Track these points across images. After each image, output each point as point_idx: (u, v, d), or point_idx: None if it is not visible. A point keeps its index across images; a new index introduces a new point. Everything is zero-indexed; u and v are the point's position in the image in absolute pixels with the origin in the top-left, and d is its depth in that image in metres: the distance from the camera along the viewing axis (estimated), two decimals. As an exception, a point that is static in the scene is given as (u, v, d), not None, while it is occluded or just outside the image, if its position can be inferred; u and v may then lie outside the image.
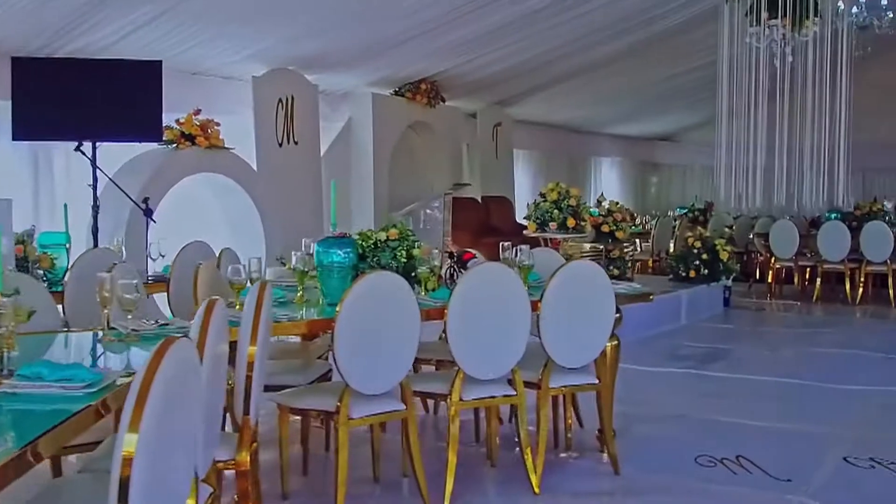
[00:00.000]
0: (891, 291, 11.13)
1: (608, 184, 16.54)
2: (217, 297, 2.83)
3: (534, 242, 8.46)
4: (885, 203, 13.03)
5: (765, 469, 4.60)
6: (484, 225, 10.55)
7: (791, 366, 7.41)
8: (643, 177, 17.78)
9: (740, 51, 8.42)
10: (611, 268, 9.27)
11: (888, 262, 11.08)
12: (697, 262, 10.21)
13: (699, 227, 11.01)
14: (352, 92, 10.18)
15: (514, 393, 4.28)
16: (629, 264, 9.43)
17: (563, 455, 4.93)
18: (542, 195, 7.93)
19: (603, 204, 9.29)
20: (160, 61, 7.05)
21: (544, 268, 4.84)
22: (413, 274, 4.52)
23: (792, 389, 6.55)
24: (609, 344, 4.72)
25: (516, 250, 4.82)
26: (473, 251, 4.88)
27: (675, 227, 13.86)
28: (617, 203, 9.46)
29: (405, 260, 4.52)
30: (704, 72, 11.21)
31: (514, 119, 12.95)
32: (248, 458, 3.20)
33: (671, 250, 12.08)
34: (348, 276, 4.31)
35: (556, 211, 7.69)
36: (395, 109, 10.41)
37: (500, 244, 5.03)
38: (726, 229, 13.39)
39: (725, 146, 8.85)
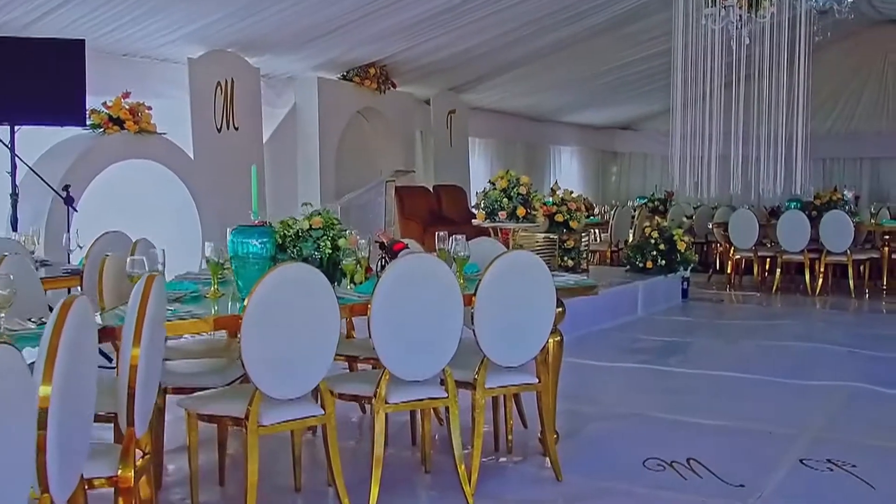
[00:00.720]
0: (851, 282, 10.95)
1: (568, 173, 16.27)
2: (77, 294, 2.45)
3: (483, 232, 8.15)
4: (845, 192, 12.86)
5: (716, 473, 4.29)
6: (435, 214, 10.19)
7: (749, 360, 7.14)
8: (603, 166, 17.51)
9: (696, 35, 8.13)
10: (565, 259, 8.98)
11: (848, 252, 10.89)
12: (655, 253, 9.95)
13: (657, 218, 10.74)
14: (297, 76, 9.78)
15: (446, 395, 3.94)
16: (584, 255, 9.13)
17: (503, 459, 4.60)
18: (492, 183, 7.58)
19: (557, 193, 8.97)
20: (82, 40, 6.64)
21: (486, 259, 4.50)
22: (339, 266, 4.18)
23: (749, 385, 6.27)
24: (551, 340, 4.40)
25: (452, 240, 4.48)
26: (406, 241, 4.53)
27: (634, 217, 13.63)
28: (571, 192, 9.14)
29: (330, 251, 4.15)
30: (663, 58, 10.91)
31: (470, 106, 12.60)
32: (132, 474, 2.83)
33: (630, 240, 11.83)
34: (265, 268, 3.94)
35: (505, 199, 7.35)
36: (342, 94, 10.03)
37: (437, 234, 4.70)
38: (685, 219, 13.16)
39: (681, 134, 8.58)
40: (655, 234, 10.01)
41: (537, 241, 8.85)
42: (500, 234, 7.58)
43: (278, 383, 3.46)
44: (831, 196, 11.75)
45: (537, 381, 4.24)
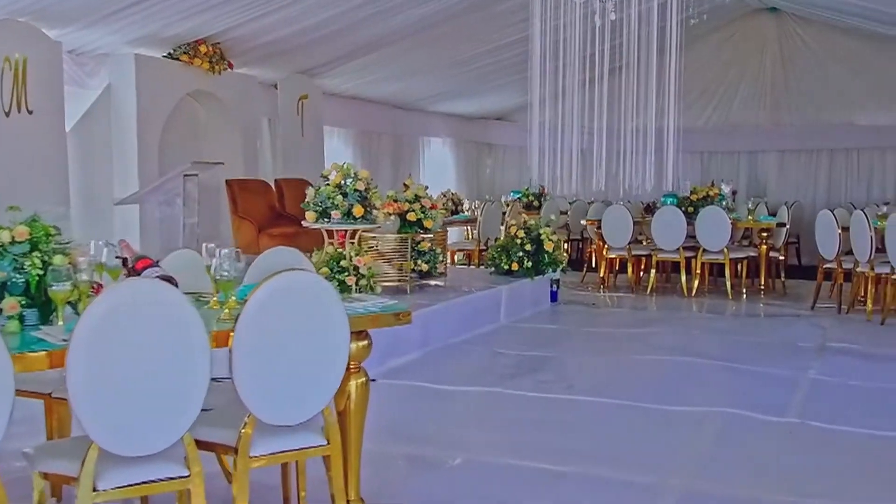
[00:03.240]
0: (728, 282, 10.35)
1: (440, 166, 15.32)
2: None
3: (313, 235, 7.12)
4: (722, 187, 12.30)
5: (559, 551, 3.38)
6: (276, 212, 9.02)
7: (614, 380, 6.29)
8: (478, 158, 16.62)
9: (557, 15, 7.29)
10: (419, 262, 8.01)
11: (725, 250, 10.28)
12: (521, 254, 9.08)
13: (524, 215, 9.89)
14: (111, 53, 8.48)
15: (187, 473, 2.88)
16: (440, 257, 8.16)
17: (289, 540, 3.57)
18: (325, 177, 6.53)
19: (409, 188, 7.97)
20: None
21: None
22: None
23: (612, 413, 5.40)
24: (353, 383, 3.41)
25: (217, 254, 3.40)
26: (153, 258, 3.44)
27: (506, 213, 12.79)
28: (426, 187, 8.17)
29: (41, 272, 3.05)
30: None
31: (325, 92, 11.48)
32: None
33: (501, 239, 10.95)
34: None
35: (339, 197, 6.31)
36: (167, 75, 8.77)
37: (205, 246, 3.62)
38: (553, 217, 12.37)
39: (539, 124, 7.76)
40: (521, 234, 9.15)
41: (387, 244, 7.85)
42: (336, 237, 6.55)
43: None
44: (708, 191, 11.12)
45: (326, 442, 3.21)
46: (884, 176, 14.02)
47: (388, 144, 13.57)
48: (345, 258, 6.35)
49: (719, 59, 14.21)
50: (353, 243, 6.47)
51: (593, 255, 12.33)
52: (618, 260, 11.19)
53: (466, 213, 12.75)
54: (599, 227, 11.01)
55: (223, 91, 9.45)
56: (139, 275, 3.23)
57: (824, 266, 9.50)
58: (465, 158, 16.05)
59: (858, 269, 8.99)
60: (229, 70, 9.38)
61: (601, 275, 11.17)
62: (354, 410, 3.45)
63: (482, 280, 8.93)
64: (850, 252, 9.19)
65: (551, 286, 9.66)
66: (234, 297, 3.29)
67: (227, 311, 3.22)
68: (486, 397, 5.80)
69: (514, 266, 9.08)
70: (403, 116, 13.76)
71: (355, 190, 6.35)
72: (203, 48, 8.90)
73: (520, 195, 14.12)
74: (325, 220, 6.36)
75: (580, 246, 13.84)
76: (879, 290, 9.00)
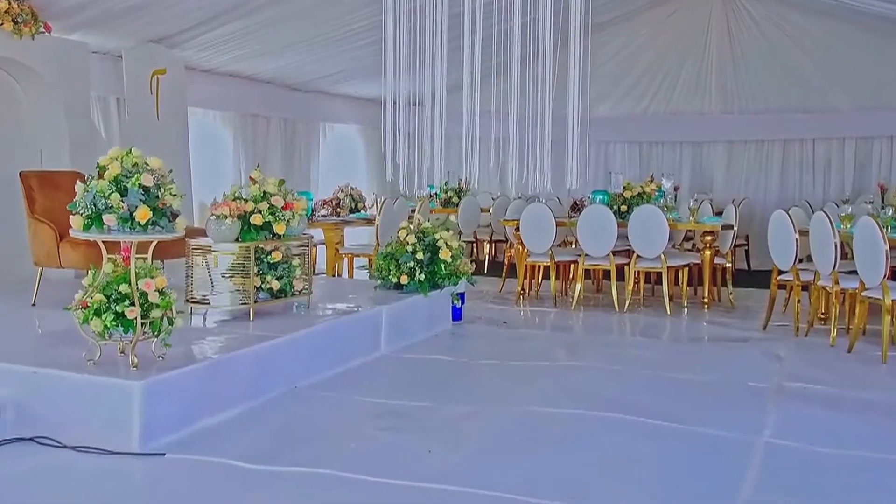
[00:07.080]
0: (665, 297, 8.73)
1: (348, 156, 13.53)
2: None
3: (92, 248, 5.30)
4: (663, 181, 10.68)
5: None
6: (91, 213, 7.12)
7: (501, 452, 4.57)
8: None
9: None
10: (267, 277, 6.23)
11: (662, 256, 8.66)
12: (412, 264, 7.36)
13: (417, 216, 8.14)
14: None
15: None
16: (297, 271, 6.38)
17: None
18: (101, 169, 4.72)
19: (256, 183, 6.18)
20: None
21: None
22: None
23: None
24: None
25: None
26: None
27: (415, 212, 11.05)
28: (282, 182, 6.38)
29: None
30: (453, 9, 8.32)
31: (190, 67, 9.61)
32: None
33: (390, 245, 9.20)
34: None
35: (115, 195, 4.52)
36: (-48, 37, 6.88)
37: None
38: (451, 218, 10.63)
39: (392, 104, 6.19)
40: (412, 239, 7.43)
41: (224, 256, 6.07)
42: (120, 251, 4.73)
43: None
44: (643, 188, 9.49)
45: None
46: (842, 169, 12.53)
47: (279, 130, 11.72)
48: (126, 281, 4.55)
49: (659, 40, 12.61)
50: (143, 259, 4.65)
51: (511, 259, 10.68)
52: (540, 267, 9.54)
53: (369, 210, 10.97)
54: (519, 229, 9.34)
55: (39, 61, 7.55)
56: None
57: (778, 278, 7.91)
58: (376, 147, 14.24)
59: (819, 283, 7.41)
60: (46, 34, 7.48)
61: (519, 286, 9.50)
62: None
63: (363, 297, 7.19)
64: (805, 258, 7.66)
65: (452, 302, 7.94)
66: None
67: None
68: (307, 483, 4.03)
69: (404, 279, 7.37)
70: (299, 99, 11.93)
71: (139, 185, 4.54)
72: (4, 5, 7.00)
73: (434, 190, 12.42)
74: (100, 227, 4.55)
75: (504, 249, 12.21)
76: (844, 307, 7.47)
